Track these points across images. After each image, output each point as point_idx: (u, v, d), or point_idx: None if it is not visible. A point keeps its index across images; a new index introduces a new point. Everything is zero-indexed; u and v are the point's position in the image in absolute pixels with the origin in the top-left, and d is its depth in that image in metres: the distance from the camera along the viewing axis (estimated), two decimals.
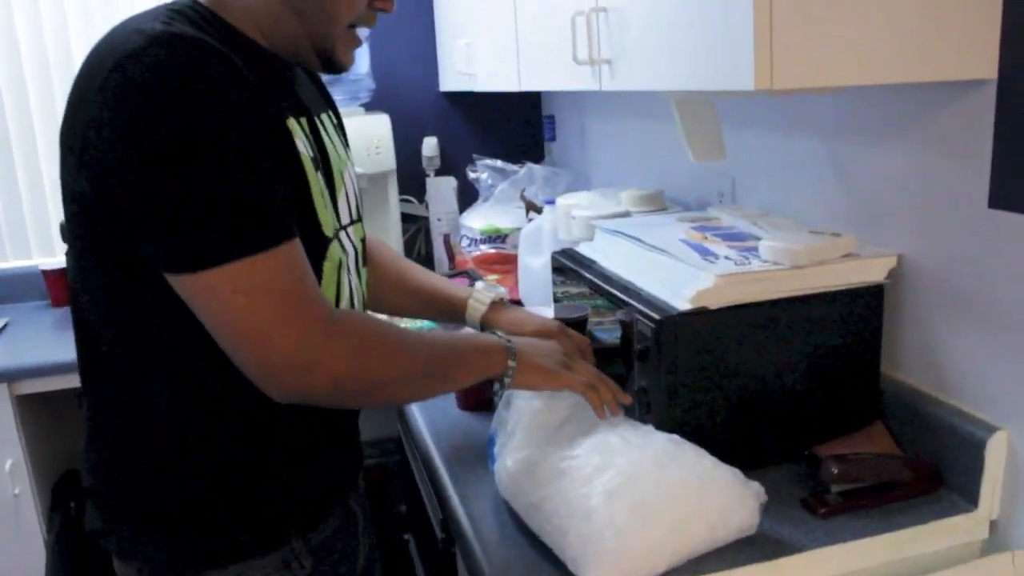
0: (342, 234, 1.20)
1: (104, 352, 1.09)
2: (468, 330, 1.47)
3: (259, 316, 0.96)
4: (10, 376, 2.33)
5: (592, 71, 1.55)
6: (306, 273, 1.01)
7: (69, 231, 1.06)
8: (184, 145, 0.91)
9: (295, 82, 1.18)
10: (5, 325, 2.68)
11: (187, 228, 0.93)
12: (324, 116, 1.24)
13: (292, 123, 1.08)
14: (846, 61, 1.08)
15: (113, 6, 2.89)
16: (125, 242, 0.98)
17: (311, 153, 1.11)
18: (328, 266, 1.13)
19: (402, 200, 2.95)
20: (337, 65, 1.15)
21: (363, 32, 1.20)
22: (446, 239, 2.81)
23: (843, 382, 1.36)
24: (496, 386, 1.21)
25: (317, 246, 1.10)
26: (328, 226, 1.12)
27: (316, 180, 1.09)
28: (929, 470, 1.28)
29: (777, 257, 1.31)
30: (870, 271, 1.34)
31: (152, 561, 1.14)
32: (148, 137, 0.91)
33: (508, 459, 1.22)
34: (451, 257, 2.78)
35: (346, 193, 1.23)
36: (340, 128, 1.33)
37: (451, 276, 2.49)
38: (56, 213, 2.94)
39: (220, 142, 0.93)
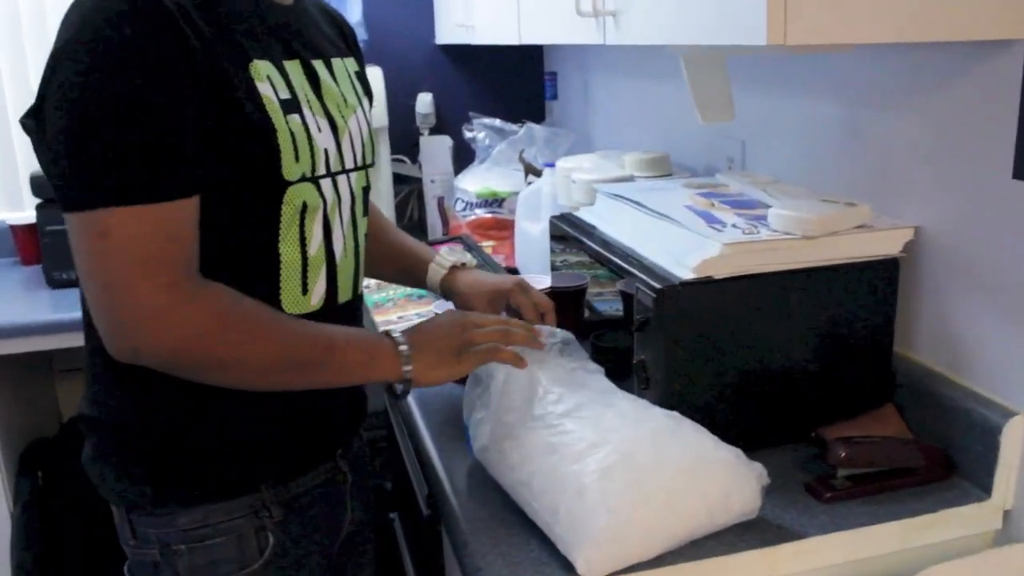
0: (340, 178, 1.21)
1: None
2: (370, 331, 1.35)
3: (111, 267, 1.00)
4: None
5: (596, 23, 1.53)
6: (181, 236, 1.03)
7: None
8: (78, 88, 0.97)
9: (291, 28, 1.20)
10: None
11: (69, 170, 0.99)
12: (337, 61, 1.27)
13: (259, 67, 1.10)
14: (864, 17, 1.06)
15: None
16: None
17: (283, 96, 1.12)
18: (287, 210, 1.13)
19: (394, 160, 2.94)
20: None
21: None
22: (440, 202, 2.80)
23: (853, 360, 1.36)
24: (399, 388, 1.20)
25: (273, 189, 1.11)
26: (291, 170, 1.11)
27: (282, 123, 1.10)
28: (941, 456, 1.28)
29: (787, 226, 1.30)
30: (885, 243, 1.33)
31: (128, 498, 1.19)
32: (55, 77, 0.98)
33: (489, 433, 1.22)
34: (445, 222, 2.77)
35: (350, 138, 1.24)
36: (360, 77, 1.36)
37: (444, 242, 2.48)
38: (25, 166, 2.92)
39: (110, 89, 0.97)
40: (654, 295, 1.25)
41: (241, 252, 1.12)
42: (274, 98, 1.10)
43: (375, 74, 2.64)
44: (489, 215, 2.54)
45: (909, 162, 1.38)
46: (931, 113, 1.32)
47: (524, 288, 1.42)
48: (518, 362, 1.22)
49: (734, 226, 1.33)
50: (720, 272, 1.26)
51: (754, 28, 1.04)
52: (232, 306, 1.07)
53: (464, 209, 2.59)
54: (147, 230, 0.99)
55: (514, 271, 2.26)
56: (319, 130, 1.16)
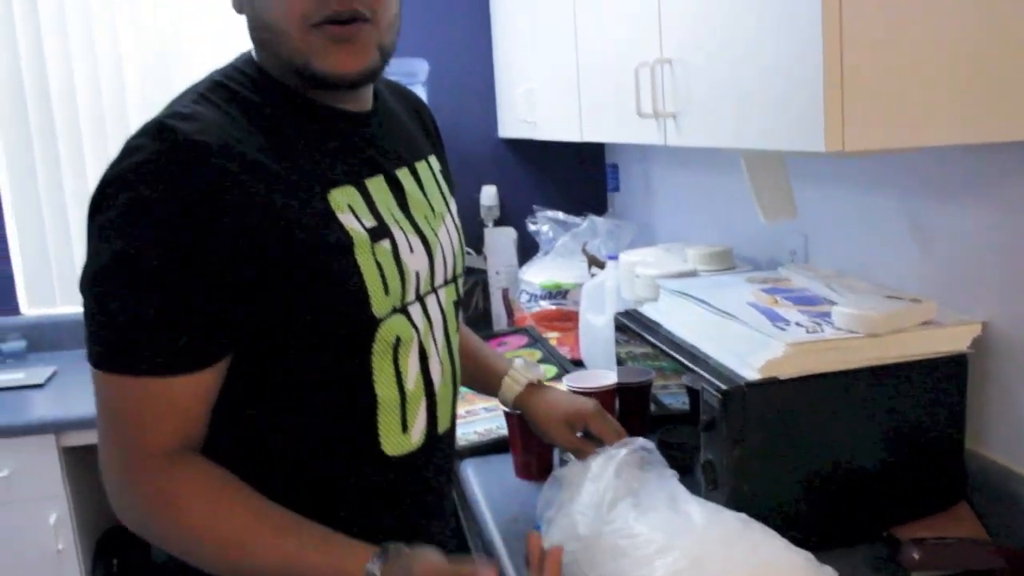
0: (429, 299, 1.17)
1: None
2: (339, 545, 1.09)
3: (102, 428, 1.01)
4: (57, 427, 2.39)
5: (657, 125, 1.56)
6: (172, 411, 0.99)
7: None
8: (92, 245, 0.98)
9: (371, 138, 1.15)
10: (53, 374, 2.75)
11: (88, 322, 0.99)
12: (421, 164, 1.23)
13: (338, 196, 1.05)
14: (919, 122, 1.07)
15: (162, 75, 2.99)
16: None
17: (369, 224, 1.07)
18: (379, 347, 1.08)
19: None
20: (326, 77, 1.04)
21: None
22: (505, 294, 2.83)
23: (924, 458, 1.33)
24: None
25: (363, 328, 1.07)
26: (381, 305, 1.07)
27: (368, 257, 1.05)
28: (1021, 558, 1.25)
29: (851, 324, 1.29)
30: (952, 340, 1.32)
31: None
32: (91, 227, 0.99)
33: (560, 533, 1.21)
34: (510, 313, 2.79)
35: (442, 252, 1.19)
36: (445, 175, 1.31)
37: (510, 333, 2.51)
38: None
39: (128, 259, 0.95)
40: (720, 396, 1.25)
41: (333, 396, 1.08)
42: (360, 228, 1.05)
43: None
44: (554, 307, 2.56)
45: (974, 257, 1.37)
46: (993, 209, 1.32)
47: (604, 415, 1.39)
48: None
49: (798, 324, 1.33)
50: (785, 372, 1.25)
51: (812, 135, 1.06)
52: (192, 496, 1.00)
53: (529, 300, 2.62)
54: (129, 400, 0.98)
55: (579, 363, 2.27)
56: (411, 251, 1.11)
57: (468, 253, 3.08)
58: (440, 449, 1.20)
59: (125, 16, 2.96)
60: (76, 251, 3.03)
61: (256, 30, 1.06)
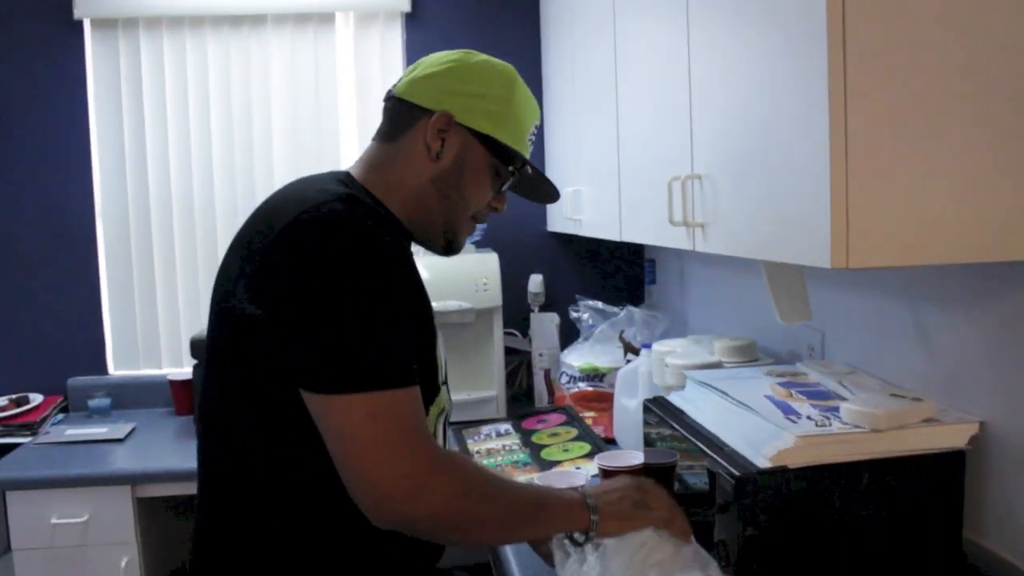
0: (443, 388, 1.33)
1: (231, 461, 1.22)
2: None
3: (380, 442, 1.09)
4: (133, 479, 2.48)
5: (687, 232, 1.64)
6: (423, 415, 1.15)
7: (216, 347, 1.22)
8: (353, 289, 1.09)
9: None
10: (133, 430, 2.85)
11: (341, 356, 1.09)
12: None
13: (423, 288, 1.26)
14: (922, 242, 1.12)
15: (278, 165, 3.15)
16: (276, 364, 1.13)
17: (433, 314, 1.27)
18: (433, 411, 1.26)
19: (506, 333, 3.06)
20: (456, 248, 1.38)
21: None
22: (547, 374, 2.89)
23: (924, 546, 1.36)
24: (581, 537, 1.27)
25: (431, 390, 1.24)
26: (440, 374, 1.27)
27: (439, 336, 1.25)
28: None
29: (857, 420, 1.34)
30: (951, 437, 1.36)
31: None
32: (326, 275, 1.10)
33: None
34: (551, 392, 2.85)
35: (442, 355, 1.35)
36: None
37: (550, 412, 2.57)
38: (187, 328, 3.15)
39: (379, 293, 1.11)
40: (733, 482, 1.30)
41: None
42: (431, 309, 1.27)
43: (491, 258, 2.80)
44: (591, 388, 2.62)
45: (973, 361, 1.42)
46: (993, 319, 1.37)
47: None
48: (684, 536, 1.29)
49: (808, 418, 1.38)
50: (794, 462, 1.30)
51: (819, 252, 1.12)
52: (474, 472, 1.19)
53: (568, 382, 2.68)
54: (409, 409, 1.11)
55: (612, 442, 2.32)
56: (441, 338, 1.32)
57: (514, 335, 3.16)
58: None
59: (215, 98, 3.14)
60: (161, 321, 3.17)
61: (440, 182, 1.31)
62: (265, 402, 1.16)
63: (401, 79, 1.35)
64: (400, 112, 1.32)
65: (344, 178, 1.29)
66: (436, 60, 1.33)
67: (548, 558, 1.32)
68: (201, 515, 1.28)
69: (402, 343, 1.12)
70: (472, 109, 1.30)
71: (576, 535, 1.27)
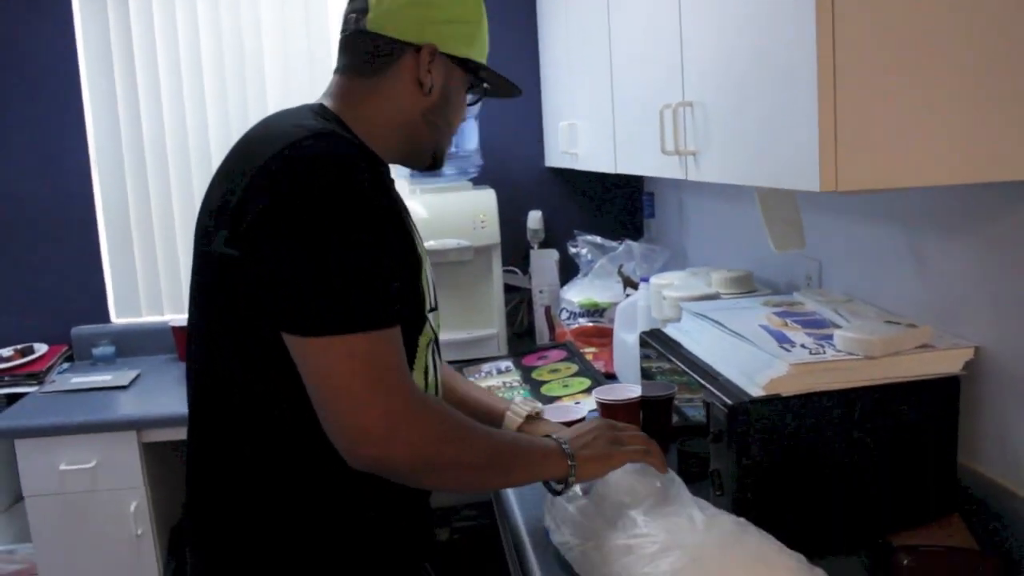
0: (432, 315, 1.30)
1: (216, 401, 1.21)
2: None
3: (356, 384, 1.07)
4: (138, 425, 2.49)
5: (679, 161, 1.61)
6: (403, 357, 1.12)
7: (202, 291, 1.20)
8: (331, 229, 1.06)
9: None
10: (137, 376, 2.86)
11: (320, 299, 1.06)
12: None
13: (407, 216, 1.24)
14: (911, 163, 1.09)
15: (258, 98, 3.10)
16: (256, 305, 1.11)
17: (420, 241, 1.27)
18: (423, 340, 1.24)
19: (506, 271, 3.04)
20: (440, 165, 1.38)
21: (471, 111, 1.42)
22: (547, 311, 2.88)
23: (918, 471, 1.35)
24: (560, 486, 1.28)
25: (418, 321, 1.23)
26: (428, 303, 1.25)
27: (426, 262, 1.23)
28: (1002, 568, 1.26)
29: (851, 347, 1.32)
30: (945, 363, 1.34)
31: None
32: (304, 216, 1.06)
33: (572, 531, 1.27)
34: (551, 328, 2.84)
35: (430, 282, 1.33)
36: None
37: (551, 348, 2.56)
38: (188, 273, 3.13)
39: (358, 233, 1.07)
40: (726, 411, 1.29)
41: None
42: (420, 242, 1.25)
43: (488, 195, 2.76)
44: (591, 324, 2.60)
45: (969, 286, 1.39)
46: (989, 241, 1.34)
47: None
48: (662, 466, 1.30)
49: (803, 346, 1.36)
50: (788, 390, 1.29)
51: (809, 176, 1.10)
52: (449, 416, 1.16)
53: (568, 318, 2.66)
54: (388, 351, 1.09)
55: (612, 376, 2.31)
56: (428, 263, 1.28)
57: (514, 272, 3.13)
58: None
59: (209, 32, 3.09)
60: (161, 267, 3.15)
61: (429, 113, 1.29)
62: (247, 342, 1.14)
63: (366, 9, 1.26)
64: (379, 46, 1.27)
65: (319, 110, 1.25)
66: None
67: None
68: (190, 461, 1.28)
69: (382, 282, 1.09)
70: (451, 36, 1.28)
71: (554, 484, 1.27)
